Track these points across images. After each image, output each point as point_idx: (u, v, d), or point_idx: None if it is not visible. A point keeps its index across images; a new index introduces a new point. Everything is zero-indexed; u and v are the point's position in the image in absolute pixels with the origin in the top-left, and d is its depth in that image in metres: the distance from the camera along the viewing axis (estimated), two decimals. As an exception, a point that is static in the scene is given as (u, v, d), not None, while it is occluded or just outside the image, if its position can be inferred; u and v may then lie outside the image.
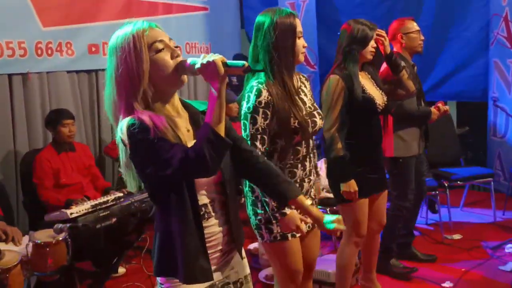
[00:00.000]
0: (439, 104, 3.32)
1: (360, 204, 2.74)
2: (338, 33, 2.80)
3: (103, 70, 4.46)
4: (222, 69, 1.43)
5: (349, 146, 2.66)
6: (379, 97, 2.80)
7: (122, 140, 1.47)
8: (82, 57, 4.25)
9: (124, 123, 1.45)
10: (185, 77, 1.54)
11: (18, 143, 3.84)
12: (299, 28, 2.14)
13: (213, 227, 1.58)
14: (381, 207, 2.99)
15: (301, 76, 2.31)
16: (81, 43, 4.23)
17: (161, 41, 1.50)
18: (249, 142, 2.07)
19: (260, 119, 2.07)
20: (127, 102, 1.48)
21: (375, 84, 2.86)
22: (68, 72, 4.21)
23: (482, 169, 4.66)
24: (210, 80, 1.45)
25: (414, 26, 3.35)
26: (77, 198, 3.42)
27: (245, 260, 1.74)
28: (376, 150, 2.85)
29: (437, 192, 4.26)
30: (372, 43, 2.76)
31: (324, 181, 4.04)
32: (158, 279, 1.61)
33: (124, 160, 1.53)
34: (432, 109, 3.31)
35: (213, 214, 1.58)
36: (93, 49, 4.34)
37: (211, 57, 1.44)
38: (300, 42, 2.15)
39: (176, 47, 1.55)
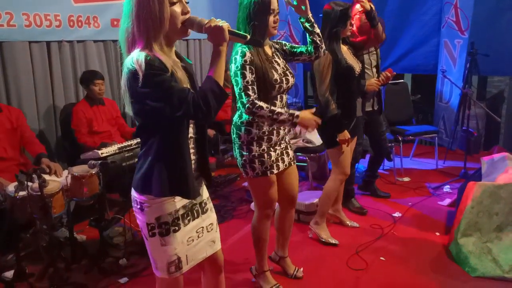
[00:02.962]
0: (384, 72, 3.20)
1: (344, 148, 2.82)
2: (320, 15, 2.75)
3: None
4: (227, 35, 1.41)
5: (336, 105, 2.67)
6: (356, 64, 2.83)
7: (132, 70, 1.33)
8: (106, 29, 4.16)
9: (140, 56, 1.34)
10: (189, 30, 1.46)
11: (56, 98, 3.81)
12: (273, 6, 2.06)
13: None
14: (351, 149, 3.05)
15: (273, 43, 2.25)
16: (105, 17, 4.13)
17: None
18: (242, 93, 2.01)
19: (248, 74, 2.02)
20: (147, 41, 1.38)
21: (352, 54, 2.87)
22: (95, 41, 4.13)
23: (429, 127, 4.73)
24: (214, 42, 1.41)
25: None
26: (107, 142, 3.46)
27: (205, 187, 1.68)
28: (353, 106, 2.90)
29: (393, 144, 4.34)
30: (350, 22, 2.75)
31: (304, 134, 4.11)
32: (137, 198, 1.51)
33: (123, 88, 1.40)
34: (370, 80, 3.17)
35: (191, 146, 1.55)
36: (115, 22, 4.24)
37: (220, 22, 1.41)
38: (272, 18, 2.07)
39: (187, 2, 1.46)
